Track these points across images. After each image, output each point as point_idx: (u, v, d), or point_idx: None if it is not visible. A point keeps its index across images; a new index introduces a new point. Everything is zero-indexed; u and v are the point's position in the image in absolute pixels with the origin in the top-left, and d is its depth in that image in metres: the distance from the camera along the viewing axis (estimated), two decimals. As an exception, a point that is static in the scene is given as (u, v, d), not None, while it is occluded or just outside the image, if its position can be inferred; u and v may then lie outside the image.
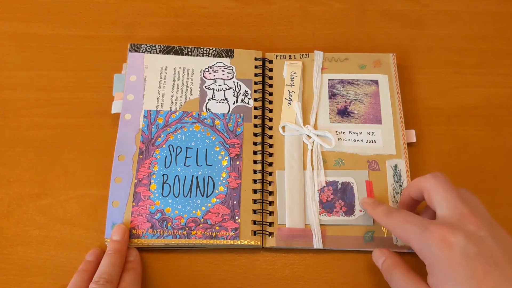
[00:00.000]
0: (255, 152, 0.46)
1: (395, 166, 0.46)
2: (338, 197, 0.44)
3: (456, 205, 0.35)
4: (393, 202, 0.44)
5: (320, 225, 0.43)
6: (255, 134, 0.47)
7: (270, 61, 0.51)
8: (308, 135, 0.47)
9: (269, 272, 0.43)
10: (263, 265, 0.44)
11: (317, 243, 0.43)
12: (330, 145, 0.46)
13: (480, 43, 0.54)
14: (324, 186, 0.45)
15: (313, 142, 0.46)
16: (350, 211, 0.44)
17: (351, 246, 0.43)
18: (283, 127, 0.47)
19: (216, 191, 0.45)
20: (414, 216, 0.37)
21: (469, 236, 0.33)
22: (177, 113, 0.47)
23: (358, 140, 0.47)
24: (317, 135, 0.46)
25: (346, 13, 0.55)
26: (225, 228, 0.43)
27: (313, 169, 0.45)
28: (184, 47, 0.50)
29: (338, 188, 0.45)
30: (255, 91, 0.49)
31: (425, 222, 0.35)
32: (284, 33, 0.54)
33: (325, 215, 0.44)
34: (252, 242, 0.43)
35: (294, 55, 0.51)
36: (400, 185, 0.45)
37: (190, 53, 0.50)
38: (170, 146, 0.46)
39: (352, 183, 0.45)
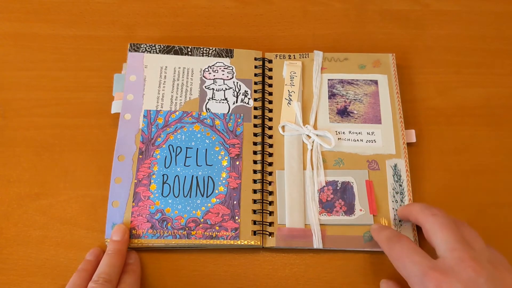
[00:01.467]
0: (255, 152, 0.46)
1: (395, 165, 0.46)
2: (338, 197, 0.44)
3: (456, 248, 0.34)
4: (392, 201, 0.44)
5: (320, 225, 0.43)
6: (255, 134, 0.47)
7: (270, 61, 0.51)
8: (307, 135, 0.47)
9: (269, 272, 0.43)
10: (263, 265, 0.44)
11: (317, 243, 0.43)
12: (330, 145, 0.46)
13: (480, 43, 0.54)
14: (324, 186, 0.45)
15: (312, 142, 0.46)
16: (350, 210, 0.44)
17: (351, 246, 0.43)
18: (283, 127, 0.47)
19: (216, 191, 0.45)
20: (416, 251, 0.36)
21: (467, 285, 0.32)
22: (177, 113, 0.47)
23: (357, 140, 0.47)
24: (316, 135, 0.46)
25: (346, 13, 0.55)
26: (225, 228, 0.43)
27: (312, 169, 0.45)
28: (184, 47, 0.50)
29: (338, 188, 0.45)
30: (255, 91, 0.49)
31: (426, 264, 0.34)
32: (284, 33, 0.54)
33: (325, 215, 0.44)
34: (252, 242, 0.43)
35: (294, 55, 0.51)
36: (400, 185, 0.45)
37: (190, 53, 0.50)
38: (170, 146, 0.46)
39: (352, 182, 0.45)
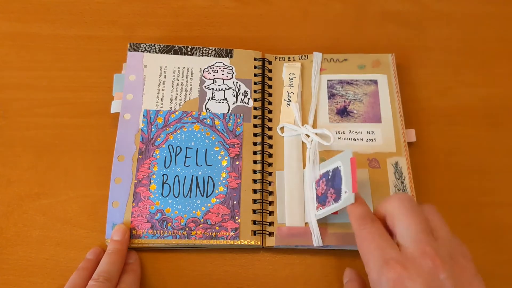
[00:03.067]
0: (254, 152, 0.46)
1: (396, 163, 0.46)
2: (329, 186, 0.43)
3: (420, 239, 0.33)
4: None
5: (322, 223, 0.43)
6: (255, 134, 0.47)
7: (270, 62, 0.51)
8: (306, 134, 0.47)
9: (269, 272, 0.43)
10: (263, 265, 0.44)
11: (316, 241, 0.43)
12: (329, 142, 0.46)
13: (480, 43, 0.54)
14: (319, 180, 0.44)
15: (311, 141, 0.46)
16: (338, 196, 0.41)
17: (351, 242, 0.43)
18: (282, 128, 0.47)
19: (216, 191, 0.44)
20: (385, 238, 0.35)
21: (427, 283, 0.31)
22: (176, 113, 0.47)
23: (357, 139, 0.47)
24: (315, 134, 0.46)
25: (346, 14, 0.55)
26: (225, 228, 0.43)
27: (309, 163, 0.45)
28: (184, 47, 0.50)
29: (329, 177, 0.44)
30: (255, 91, 0.49)
31: (389, 253, 0.33)
32: (284, 33, 0.54)
33: (320, 209, 0.43)
34: (252, 242, 0.43)
35: (293, 57, 0.51)
36: (402, 182, 0.45)
37: (189, 53, 0.50)
38: (170, 146, 0.46)
39: (340, 166, 0.42)
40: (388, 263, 0.33)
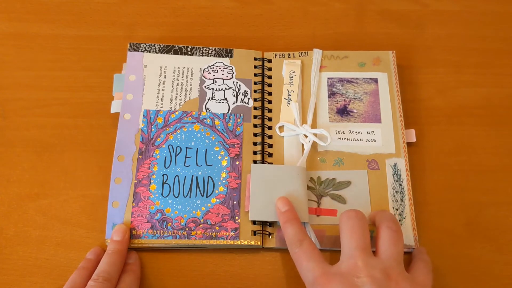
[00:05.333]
0: (254, 152, 0.46)
1: (395, 165, 0.46)
2: None
3: (354, 255, 0.35)
4: (393, 201, 0.44)
5: (319, 225, 0.43)
6: (255, 134, 0.47)
7: (269, 61, 0.51)
8: (304, 135, 0.47)
9: (269, 272, 0.43)
10: (263, 265, 0.44)
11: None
12: (326, 142, 0.46)
13: (480, 43, 0.54)
14: None
15: (309, 142, 0.46)
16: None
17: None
18: (280, 127, 0.47)
19: (216, 191, 0.45)
20: (313, 257, 0.36)
21: None
22: (176, 113, 0.47)
23: (357, 139, 0.47)
24: (313, 134, 0.46)
25: (346, 13, 0.55)
26: (225, 228, 0.43)
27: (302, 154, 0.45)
28: (184, 47, 0.50)
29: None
30: (255, 91, 0.49)
31: (318, 270, 0.35)
32: (284, 33, 0.54)
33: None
34: (252, 242, 0.43)
35: (293, 54, 0.51)
36: (400, 184, 0.45)
37: (189, 53, 0.50)
38: (170, 146, 0.46)
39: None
40: (315, 280, 0.35)
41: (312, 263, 0.36)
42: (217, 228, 0.43)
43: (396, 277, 0.34)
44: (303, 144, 0.47)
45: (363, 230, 0.36)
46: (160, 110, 0.47)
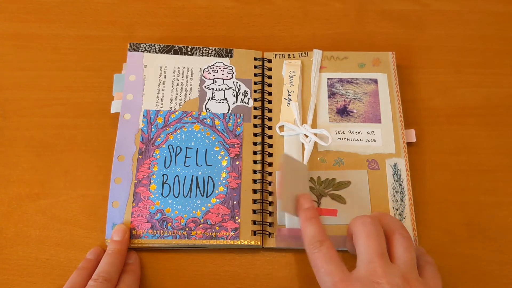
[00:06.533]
0: (254, 152, 0.46)
1: (395, 165, 0.46)
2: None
3: (372, 260, 0.35)
4: (393, 201, 0.44)
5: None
6: (255, 134, 0.47)
7: (269, 61, 0.51)
8: (305, 135, 0.47)
9: (269, 272, 0.43)
10: (263, 265, 0.44)
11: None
12: (327, 142, 0.46)
13: (480, 43, 0.54)
14: None
15: (309, 142, 0.46)
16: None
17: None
18: (281, 127, 0.47)
19: (216, 191, 0.45)
20: (332, 261, 0.36)
21: None
22: (176, 113, 0.47)
23: (357, 139, 0.47)
24: (314, 134, 0.46)
25: (346, 13, 0.55)
26: (225, 228, 0.43)
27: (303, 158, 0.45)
28: (184, 47, 0.50)
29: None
30: (255, 91, 0.49)
31: (337, 276, 0.35)
32: (284, 33, 0.54)
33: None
34: (252, 242, 0.43)
35: (293, 54, 0.51)
36: (400, 184, 0.45)
37: (189, 53, 0.50)
38: (170, 146, 0.46)
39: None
40: (335, 286, 0.34)
41: (332, 266, 0.35)
42: (217, 228, 0.43)
43: (414, 282, 0.34)
44: (303, 144, 0.47)
45: (380, 236, 0.36)
46: (160, 110, 0.47)
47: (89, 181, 0.46)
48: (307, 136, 0.47)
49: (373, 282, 0.33)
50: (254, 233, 0.43)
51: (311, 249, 0.37)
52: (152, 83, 0.48)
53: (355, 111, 0.48)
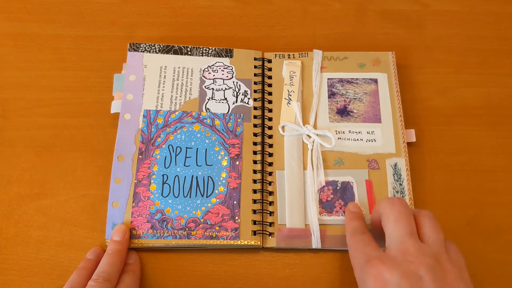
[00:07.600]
0: (255, 152, 0.46)
1: (395, 165, 0.46)
2: (338, 197, 0.44)
3: (403, 241, 0.35)
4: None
5: (321, 224, 0.43)
6: (255, 134, 0.47)
7: (269, 61, 0.51)
8: (308, 135, 0.47)
9: (269, 272, 0.43)
10: (263, 265, 0.44)
11: (315, 243, 0.43)
12: (330, 144, 0.46)
13: (480, 43, 0.54)
14: (324, 186, 0.45)
15: (313, 142, 0.46)
16: None
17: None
18: (283, 127, 0.47)
19: (216, 191, 0.44)
20: (370, 244, 0.37)
21: (406, 275, 0.33)
22: (176, 113, 0.47)
23: (357, 139, 0.47)
24: (317, 135, 0.46)
25: (346, 13, 0.55)
26: (225, 228, 0.43)
27: (313, 168, 0.45)
28: (184, 47, 0.50)
29: (338, 188, 0.45)
30: (255, 91, 0.49)
31: (372, 254, 0.36)
32: (284, 33, 0.54)
33: (325, 215, 0.44)
34: (252, 242, 0.43)
35: (293, 54, 0.51)
36: (400, 184, 0.45)
37: (189, 53, 0.50)
38: (170, 146, 0.46)
39: (352, 182, 0.45)
40: (369, 261, 0.35)
41: (370, 248, 0.37)
42: (217, 228, 0.43)
43: (445, 264, 0.35)
44: (304, 144, 0.47)
45: (409, 216, 0.37)
46: (160, 110, 0.47)
47: (89, 181, 0.46)
48: (309, 137, 0.47)
49: (406, 261, 0.34)
50: (254, 233, 0.43)
51: (355, 234, 0.39)
52: (152, 83, 0.48)
53: (355, 111, 0.48)
